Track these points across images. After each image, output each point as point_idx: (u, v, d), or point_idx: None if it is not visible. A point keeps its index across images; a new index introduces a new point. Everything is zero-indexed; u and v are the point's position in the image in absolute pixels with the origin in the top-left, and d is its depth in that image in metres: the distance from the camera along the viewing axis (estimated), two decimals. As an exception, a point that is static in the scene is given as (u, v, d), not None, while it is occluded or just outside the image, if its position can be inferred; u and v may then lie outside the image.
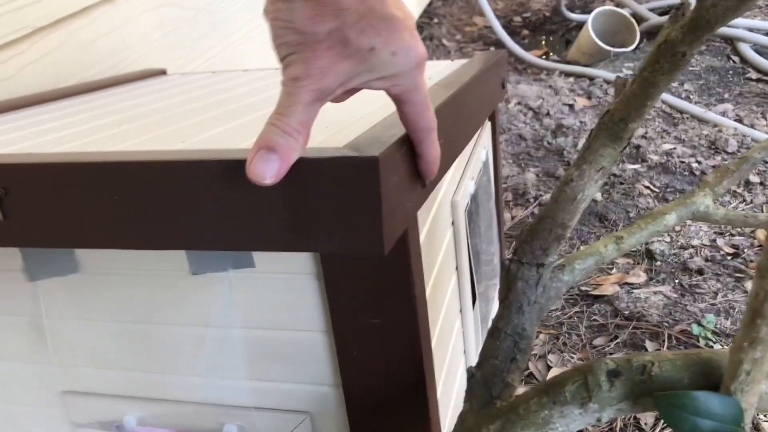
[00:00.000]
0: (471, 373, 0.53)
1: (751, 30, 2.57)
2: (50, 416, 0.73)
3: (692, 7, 0.47)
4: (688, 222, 1.60)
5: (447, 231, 0.76)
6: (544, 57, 2.89)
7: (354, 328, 0.58)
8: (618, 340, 1.24)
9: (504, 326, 0.53)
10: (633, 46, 2.71)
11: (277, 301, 0.61)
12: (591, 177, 0.53)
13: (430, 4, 3.59)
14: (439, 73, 0.85)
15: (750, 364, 0.41)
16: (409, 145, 0.49)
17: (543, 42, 3.13)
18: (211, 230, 0.46)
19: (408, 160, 0.49)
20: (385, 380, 0.59)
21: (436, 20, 3.44)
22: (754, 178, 1.73)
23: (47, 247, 0.59)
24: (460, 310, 0.82)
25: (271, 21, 0.41)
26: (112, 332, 0.67)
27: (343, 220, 0.44)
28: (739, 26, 2.67)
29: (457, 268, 0.80)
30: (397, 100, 0.45)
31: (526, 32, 3.21)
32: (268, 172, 0.42)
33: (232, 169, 0.44)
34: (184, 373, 0.67)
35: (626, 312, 1.31)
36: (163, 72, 1.16)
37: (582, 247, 1.35)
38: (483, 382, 0.53)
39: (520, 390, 0.52)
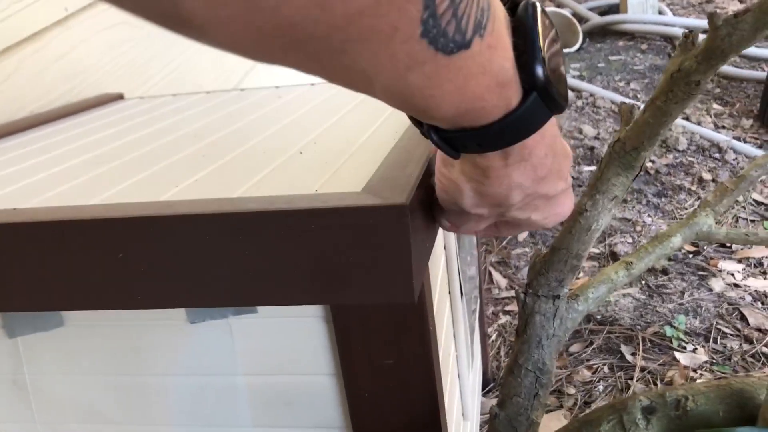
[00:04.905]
0: (494, 413, 0.52)
1: (687, 28, 2.65)
2: (33, 477, 0.68)
3: (702, 36, 0.47)
4: (648, 221, 1.64)
5: (441, 256, 0.74)
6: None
7: (366, 369, 0.56)
8: (594, 346, 1.25)
9: (524, 362, 0.52)
10: (576, 47, 2.76)
11: (282, 346, 0.58)
12: (605, 206, 0.52)
13: None
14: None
15: (792, 397, 0.41)
16: (425, 185, 0.47)
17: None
18: (228, 286, 0.43)
19: (427, 199, 0.47)
20: (400, 419, 0.58)
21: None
22: (707, 175, 1.78)
23: (35, 311, 0.56)
24: (454, 334, 0.81)
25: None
26: (101, 386, 0.63)
27: (370, 271, 0.42)
28: (677, 25, 2.75)
29: (449, 292, 0.79)
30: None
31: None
32: None
33: (248, 221, 0.42)
34: (182, 424, 0.63)
35: (598, 316, 1.32)
36: (120, 96, 1.11)
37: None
38: (507, 421, 0.51)
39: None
